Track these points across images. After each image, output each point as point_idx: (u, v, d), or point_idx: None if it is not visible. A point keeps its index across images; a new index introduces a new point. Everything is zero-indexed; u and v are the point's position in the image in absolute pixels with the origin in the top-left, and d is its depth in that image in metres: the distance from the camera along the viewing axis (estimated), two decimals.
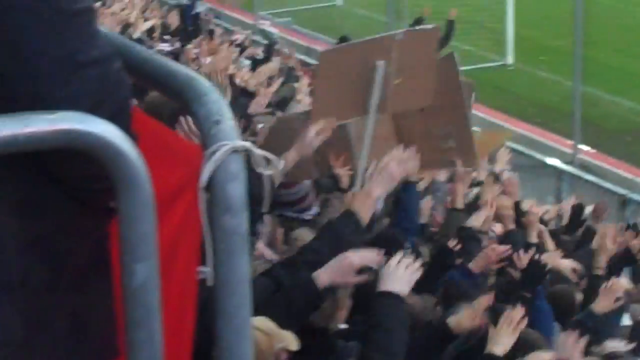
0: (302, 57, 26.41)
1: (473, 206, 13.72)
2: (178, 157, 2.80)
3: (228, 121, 2.62)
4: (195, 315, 2.83)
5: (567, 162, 22.08)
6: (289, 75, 21.93)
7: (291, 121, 12.63)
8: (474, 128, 14.74)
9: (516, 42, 30.55)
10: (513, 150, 21.28)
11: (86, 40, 2.52)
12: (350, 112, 12.12)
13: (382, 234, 10.65)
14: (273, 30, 30.16)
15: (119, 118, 2.48)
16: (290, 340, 6.19)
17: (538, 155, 21.62)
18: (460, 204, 12.23)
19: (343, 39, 25.18)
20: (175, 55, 20.15)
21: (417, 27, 14.34)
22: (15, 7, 2.41)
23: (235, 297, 2.66)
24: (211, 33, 25.38)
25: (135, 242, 2.45)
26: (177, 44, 22.66)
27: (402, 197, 11.35)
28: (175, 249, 2.78)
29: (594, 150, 23.72)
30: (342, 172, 11.51)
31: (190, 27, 26.81)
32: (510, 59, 30.40)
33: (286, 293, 6.88)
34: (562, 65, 26.24)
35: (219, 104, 2.67)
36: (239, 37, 26.02)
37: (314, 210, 10.46)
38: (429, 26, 15.25)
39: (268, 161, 2.79)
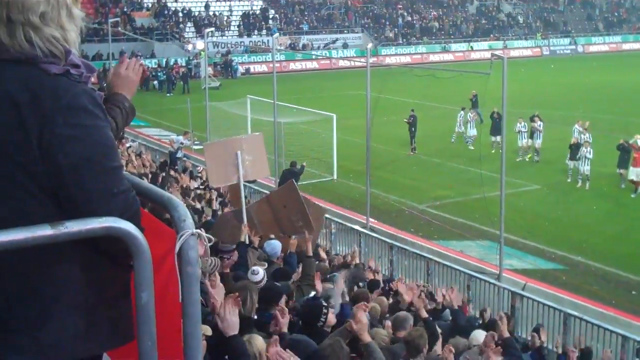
0: None
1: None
2: (164, 237, 2.82)
3: (189, 220, 2.70)
4: (180, 320, 2.79)
5: (363, 227, 21.91)
6: None
7: (226, 217, 12.69)
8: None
9: (338, 167, 30.18)
10: (336, 222, 21.42)
11: (117, 181, 2.62)
12: (229, 179, 12.37)
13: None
14: None
15: (134, 219, 2.59)
16: (206, 329, 5.99)
17: (348, 224, 21.50)
18: (310, 252, 11.64)
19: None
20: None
21: (251, 134, 14.39)
22: (82, 166, 2.53)
23: (192, 307, 2.76)
24: (185, 170, 25.05)
25: (141, 281, 2.58)
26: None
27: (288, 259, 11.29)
28: (167, 285, 2.80)
29: (377, 221, 23.92)
30: (254, 239, 11.51)
31: (175, 165, 26.49)
32: (335, 176, 29.96)
33: None
34: (361, 179, 26.06)
35: (185, 211, 2.74)
36: (200, 168, 25.77)
37: (236, 255, 10.36)
38: (257, 133, 15.31)
39: (210, 239, 2.96)
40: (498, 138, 33.84)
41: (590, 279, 19.95)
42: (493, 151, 32.67)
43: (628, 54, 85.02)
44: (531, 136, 33.11)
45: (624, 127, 35.36)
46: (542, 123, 32.84)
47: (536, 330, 12.95)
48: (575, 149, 29.05)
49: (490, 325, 11.32)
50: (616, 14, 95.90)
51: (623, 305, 17.94)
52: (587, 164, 28.44)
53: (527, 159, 32.97)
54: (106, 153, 2.61)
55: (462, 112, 36.27)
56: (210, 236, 3.00)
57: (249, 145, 12.44)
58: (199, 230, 2.76)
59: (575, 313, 15.28)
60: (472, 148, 34.32)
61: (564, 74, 65.09)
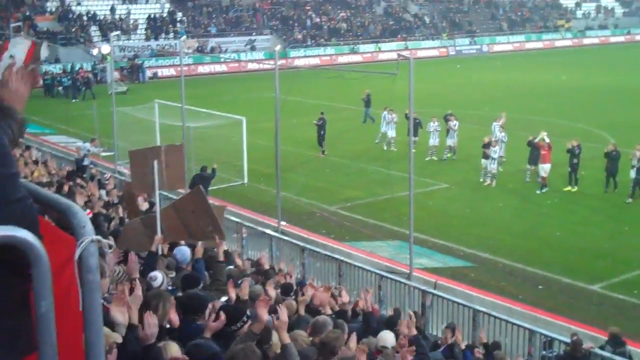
0: None
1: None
2: (64, 245, 2.76)
3: (89, 226, 2.72)
4: (81, 329, 2.75)
5: (274, 231, 21.96)
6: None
7: (133, 224, 12.47)
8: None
9: (248, 171, 30.07)
10: (247, 226, 21.34)
11: (14, 189, 2.60)
12: (150, 187, 12.27)
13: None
14: (126, 171, 29.38)
15: (32, 228, 2.55)
16: (116, 336, 5.99)
17: (259, 228, 21.48)
18: (221, 257, 11.47)
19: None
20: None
21: (171, 144, 14.15)
22: None
23: (93, 315, 2.75)
24: (92, 177, 24.54)
25: (41, 290, 2.55)
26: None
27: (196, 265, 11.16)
28: (68, 293, 2.74)
29: (288, 224, 23.97)
30: (162, 246, 11.39)
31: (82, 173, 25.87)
32: (245, 180, 29.90)
33: None
34: (272, 182, 26.07)
35: (84, 217, 2.71)
36: (107, 175, 25.34)
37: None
38: (178, 144, 15.31)
39: (110, 246, 2.95)
40: (415, 138, 34.50)
41: (498, 275, 20.42)
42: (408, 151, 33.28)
43: (531, 52, 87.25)
44: (446, 135, 33.71)
45: (528, 125, 36.26)
46: (457, 122, 33.53)
47: (450, 328, 13.19)
48: (488, 147, 29.71)
49: (395, 325, 11.47)
50: (519, 13, 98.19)
51: (530, 300, 18.44)
52: (493, 163, 29.15)
53: (445, 158, 33.55)
54: (1, 160, 2.59)
55: (385, 112, 36.16)
56: (111, 242, 3.01)
57: (168, 155, 12.27)
58: (98, 237, 2.76)
59: (484, 309, 15.66)
60: (395, 149, 34.38)
61: (470, 74, 66.41)
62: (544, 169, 28.34)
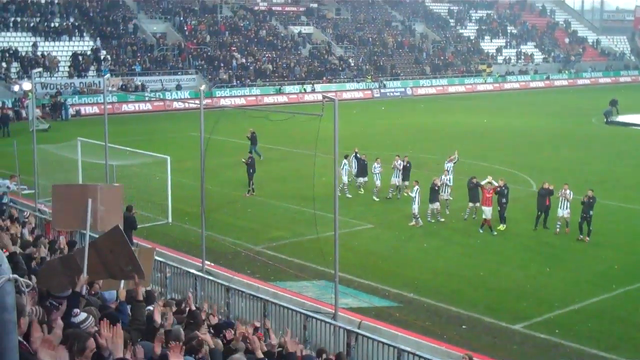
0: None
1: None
2: None
3: (5, 265, 2.63)
4: None
5: (199, 270, 21.70)
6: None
7: (52, 263, 12.10)
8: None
9: (173, 210, 29.80)
10: (171, 265, 21.00)
11: None
12: (75, 225, 11.89)
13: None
14: (47, 209, 28.68)
15: None
16: None
17: (183, 267, 21.08)
18: (140, 297, 11.14)
19: None
20: None
21: (110, 184, 13.60)
22: None
23: (9, 354, 2.64)
24: (11, 216, 23.81)
25: None
26: None
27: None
28: None
29: (213, 264, 23.74)
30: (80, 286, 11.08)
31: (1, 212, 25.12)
32: (170, 219, 29.62)
33: None
34: (197, 221, 25.80)
35: (1, 256, 2.65)
36: (27, 213, 24.65)
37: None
38: (117, 184, 14.94)
39: (28, 285, 2.85)
40: (362, 179, 34.95)
41: (423, 314, 20.52)
42: (361, 191, 34.44)
43: (454, 96, 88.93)
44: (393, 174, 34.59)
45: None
46: (401, 162, 34.05)
47: None
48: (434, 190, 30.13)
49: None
50: (442, 58, 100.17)
51: (454, 340, 18.54)
52: (415, 202, 29.41)
53: (389, 197, 34.09)
54: None
55: (345, 160, 34.88)
56: (29, 282, 2.91)
57: (105, 195, 11.92)
58: (15, 276, 2.67)
59: (409, 349, 15.66)
60: (350, 196, 34.26)
61: (395, 116, 67.25)
62: (487, 211, 28.80)
